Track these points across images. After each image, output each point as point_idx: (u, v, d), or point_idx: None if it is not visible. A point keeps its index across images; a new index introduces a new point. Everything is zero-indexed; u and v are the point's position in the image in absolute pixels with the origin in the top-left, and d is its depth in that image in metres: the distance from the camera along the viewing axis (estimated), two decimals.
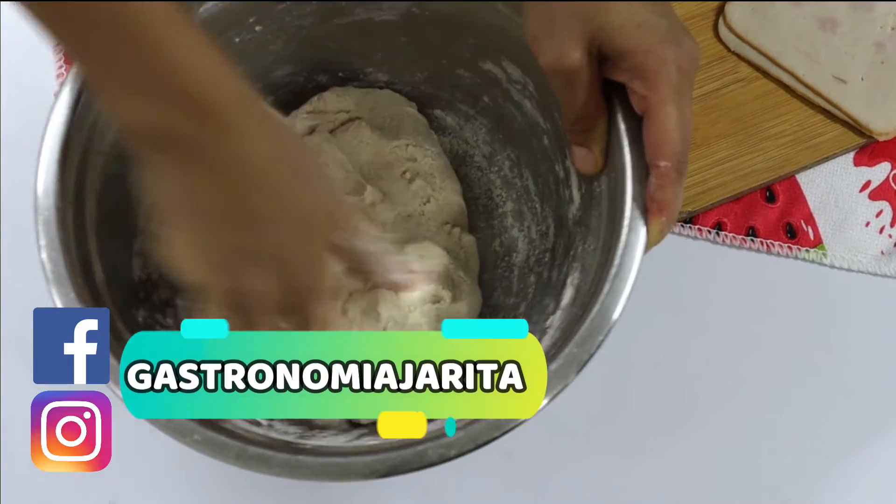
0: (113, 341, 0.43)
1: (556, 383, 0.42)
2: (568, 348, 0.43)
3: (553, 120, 0.54)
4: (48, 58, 0.65)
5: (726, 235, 0.64)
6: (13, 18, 0.62)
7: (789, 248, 0.64)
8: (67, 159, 0.46)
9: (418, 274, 0.51)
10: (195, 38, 0.37)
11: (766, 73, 0.65)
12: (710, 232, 0.64)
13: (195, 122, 0.36)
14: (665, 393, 0.60)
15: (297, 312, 0.43)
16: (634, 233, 0.44)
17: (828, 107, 0.64)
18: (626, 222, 0.44)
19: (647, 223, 0.44)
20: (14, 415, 0.58)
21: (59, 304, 0.43)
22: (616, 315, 0.43)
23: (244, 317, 0.41)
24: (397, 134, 0.59)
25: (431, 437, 0.41)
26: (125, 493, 0.58)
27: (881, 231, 0.64)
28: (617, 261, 0.44)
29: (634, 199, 0.44)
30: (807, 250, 0.64)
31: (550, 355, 0.44)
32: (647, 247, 0.44)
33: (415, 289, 0.52)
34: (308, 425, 0.50)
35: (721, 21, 0.66)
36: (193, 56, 0.36)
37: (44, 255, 0.43)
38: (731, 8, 0.65)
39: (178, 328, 0.52)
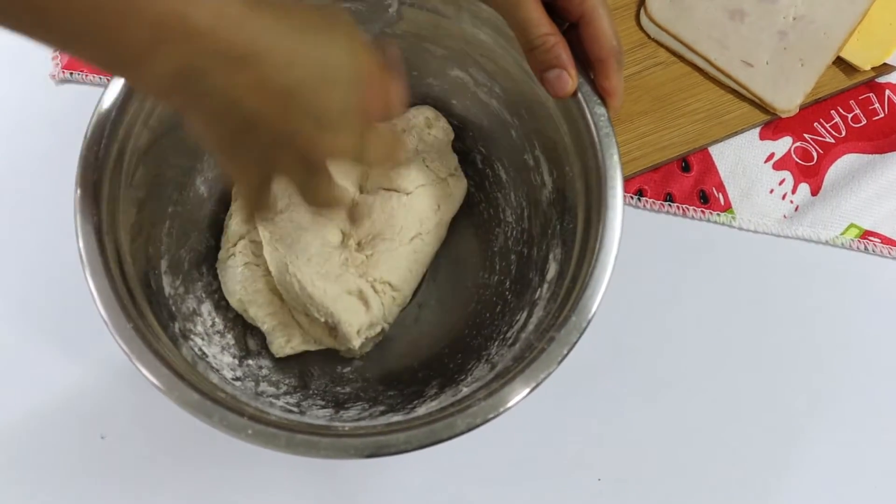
0: (153, 342, 0.43)
1: (533, 379, 0.44)
2: (551, 346, 0.45)
3: (519, 115, 0.55)
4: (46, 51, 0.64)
5: (647, 201, 0.66)
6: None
7: (702, 212, 0.66)
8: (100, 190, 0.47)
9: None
10: None
11: (682, 58, 0.68)
12: (632, 198, 0.66)
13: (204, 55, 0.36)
14: (588, 351, 0.57)
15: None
16: (612, 210, 0.47)
17: (737, 87, 0.67)
18: (608, 201, 0.47)
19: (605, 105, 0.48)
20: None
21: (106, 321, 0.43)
22: (594, 309, 0.45)
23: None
24: None
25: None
26: (114, 428, 0.59)
27: (783, 197, 0.67)
28: (597, 245, 0.46)
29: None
30: (718, 214, 0.66)
31: (537, 348, 0.45)
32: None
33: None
34: (335, 408, 0.51)
35: (642, 11, 0.69)
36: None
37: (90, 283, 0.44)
38: None
39: (205, 335, 0.53)
